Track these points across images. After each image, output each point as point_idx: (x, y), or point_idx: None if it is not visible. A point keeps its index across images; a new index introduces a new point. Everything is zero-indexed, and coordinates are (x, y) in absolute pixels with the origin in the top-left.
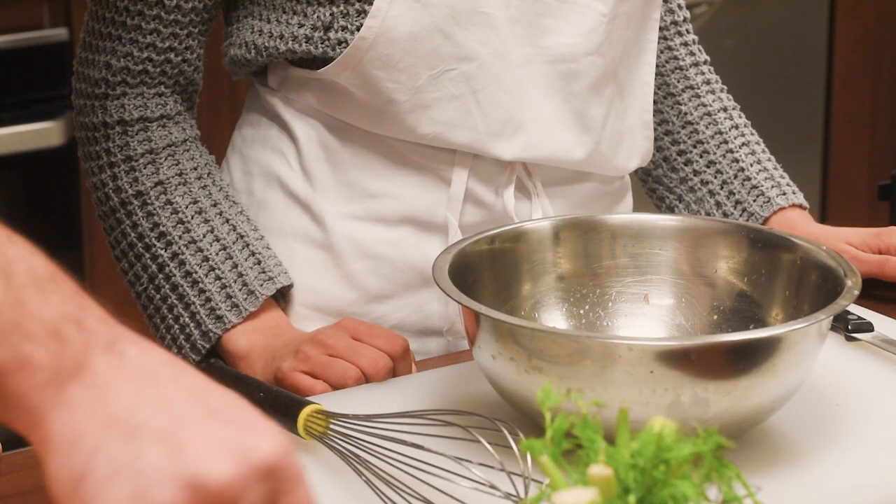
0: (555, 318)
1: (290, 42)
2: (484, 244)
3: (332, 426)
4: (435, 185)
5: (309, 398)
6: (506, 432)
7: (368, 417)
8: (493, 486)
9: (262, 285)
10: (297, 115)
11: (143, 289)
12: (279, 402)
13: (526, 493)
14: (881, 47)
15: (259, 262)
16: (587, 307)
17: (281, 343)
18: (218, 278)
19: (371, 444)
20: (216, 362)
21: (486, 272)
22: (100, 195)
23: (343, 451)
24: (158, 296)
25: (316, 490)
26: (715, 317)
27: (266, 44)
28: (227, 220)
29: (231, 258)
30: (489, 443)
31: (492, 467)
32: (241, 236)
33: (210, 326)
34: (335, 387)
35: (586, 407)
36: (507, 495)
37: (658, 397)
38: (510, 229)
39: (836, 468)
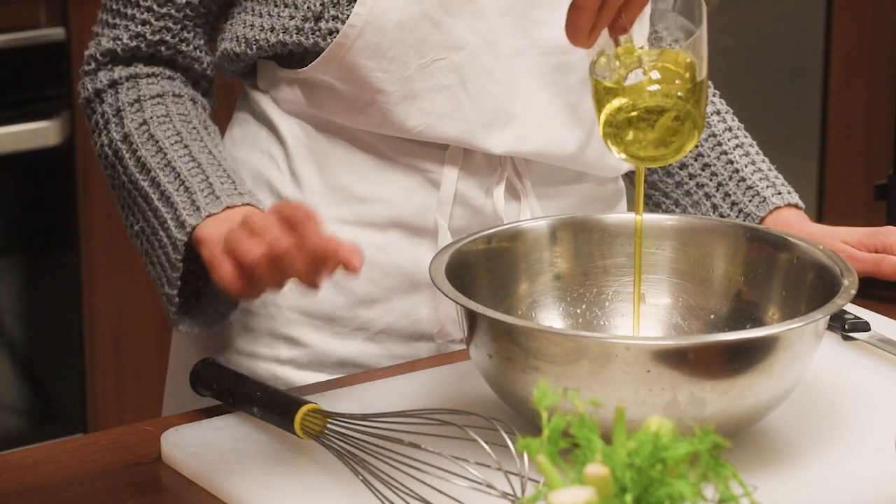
0: (551, 318)
1: (281, 34)
2: (480, 243)
3: (329, 425)
4: (424, 188)
5: (306, 398)
6: (502, 432)
7: (365, 417)
8: (490, 486)
9: (229, 196)
10: (285, 115)
11: (138, 228)
12: (277, 401)
13: (523, 492)
14: (878, 46)
15: (234, 183)
16: (584, 306)
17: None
18: (186, 189)
19: (368, 444)
20: (215, 360)
21: (482, 271)
22: (104, 162)
23: (340, 450)
24: (147, 229)
25: (313, 490)
26: (711, 316)
27: (256, 37)
28: (207, 149)
29: (203, 172)
30: (486, 442)
31: (489, 466)
32: (220, 163)
33: (176, 235)
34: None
35: (583, 406)
36: (504, 494)
37: (655, 397)
38: (507, 228)
39: (833, 467)
